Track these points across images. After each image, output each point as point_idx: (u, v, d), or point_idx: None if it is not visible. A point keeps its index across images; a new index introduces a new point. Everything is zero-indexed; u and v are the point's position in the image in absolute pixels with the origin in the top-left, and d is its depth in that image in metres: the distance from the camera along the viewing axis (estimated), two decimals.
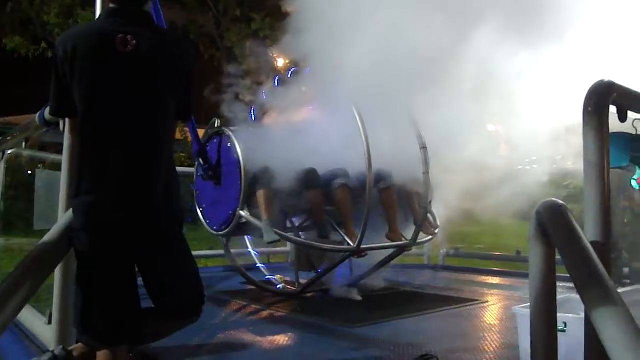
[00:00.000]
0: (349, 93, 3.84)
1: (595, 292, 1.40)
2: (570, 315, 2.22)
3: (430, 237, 4.56)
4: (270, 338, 3.21)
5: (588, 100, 1.81)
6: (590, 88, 1.82)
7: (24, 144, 3.70)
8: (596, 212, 1.74)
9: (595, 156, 1.76)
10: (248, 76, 4.44)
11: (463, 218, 5.24)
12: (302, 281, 4.44)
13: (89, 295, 1.97)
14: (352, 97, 3.85)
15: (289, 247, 5.91)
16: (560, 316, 1.87)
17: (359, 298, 4.21)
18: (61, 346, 2.14)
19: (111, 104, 1.95)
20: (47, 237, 1.94)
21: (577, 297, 2.45)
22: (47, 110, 2.43)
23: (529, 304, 1.79)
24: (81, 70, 1.92)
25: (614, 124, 1.89)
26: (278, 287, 4.66)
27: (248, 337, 3.25)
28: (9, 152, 4.24)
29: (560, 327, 1.97)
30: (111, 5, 2.03)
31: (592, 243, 1.60)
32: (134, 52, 1.92)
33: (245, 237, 4.99)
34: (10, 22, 15.64)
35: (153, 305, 2.08)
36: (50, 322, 2.34)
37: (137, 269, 2.04)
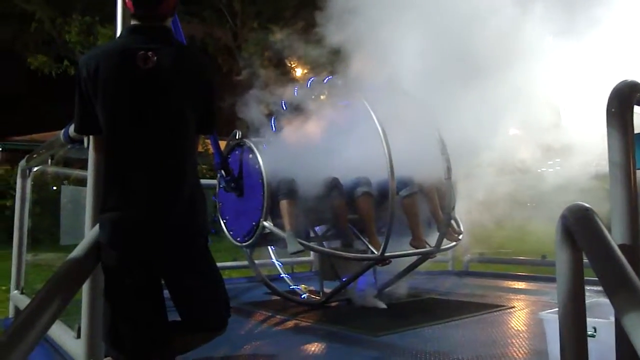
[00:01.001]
0: (371, 99, 3.86)
1: (625, 295, 1.37)
2: (600, 319, 2.19)
3: (454, 243, 4.53)
4: (295, 348, 3.21)
5: (611, 100, 1.79)
6: (613, 88, 1.80)
7: (49, 161, 3.76)
8: (623, 214, 1.72)
9: (620, 157, 1.74)
10: (267, 87, 4.47)
11: (486, 222, 5.20)
12: (327, 290, 4.43)
13: (116, 310, 1.99)
14: (373, 103, 3.85)
15: (312, 256, 5.94)
16: (590, 321, 1.84)
17: (384, 306, 4.19)
18: None
19: (133, 120, 1.97)
20: (74, 253, 1.97)
21: (606, 300, 2.43)
22: (72, 127, 2.48)
23: (556, 309, 1.77)
24: (104, 88, 1.96)
25: (638, 124, 1.87)
26: (302, 297, 4.65)
27: (273, 347, 3.25)
28: (35, 169, 4.32)
29: (590, 332, 1.94)
30: (132, 22, 2.07)
31: (619, 246, 1.58)
32: (154, 68, 1.95)
33: (269, 247, 5.01)
34: (33, 41, 16.02)
35: (180, 318, 2.10)
36: (79, 337, 2.37)
37: (163, 282, 2.06)
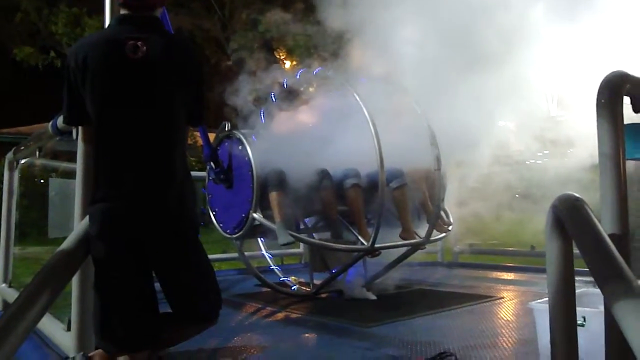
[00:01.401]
0: (360, 90, 3.86)
1: (615, 285, 1.38)
2: (589, 309, 2.21)
3: (444, 234, 4.55)
4: (286, 339, 3.22)
5: (601, 91, 1.79)
6: (603, 79, 1.81)
7: (37, 153, 3.72)
8: (613, 204, 1.73)
9: (610, 148, 1.75)
10: (256, 78, 4.45)
11: (475, 214, 5.23)
12: (317, 282, 4.44)
13: (107, 302, 1.98)
14: (362, 94, 3.85)
15: (302, 248, 5.95)
16: (579, 310, 1.86)
17: (374, 297, 4.20)
18: (81, 353, 2.15)
19: (123, 110, 1.96)
20: (64, 245, 1.95)
21: (595, 290, 2.44)
22: (60, 119, 2.46)
23: (545, 298, 1.78)
24: (92, 78, 1.94)
25: (629, 115, 1.88)
26: (293, 288, 4.66)
27: (264, 339, 3.25)
28: (23, 161, 4.27)
29: (579, 322, 1.96)
30: (122, 12, 2.05)
31: (609, 235, 1.59)
32: (144, 58, 1.93)
33: (259, 239, 5.00)
34: (19, 32, 15.83)
35: (171, 310, 2.09)
36: (69, 329, 2.35)
37: (154, 274, 2.05)
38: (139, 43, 1.93)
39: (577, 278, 1.73)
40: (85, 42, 2.06)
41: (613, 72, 1.82)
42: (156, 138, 1.98)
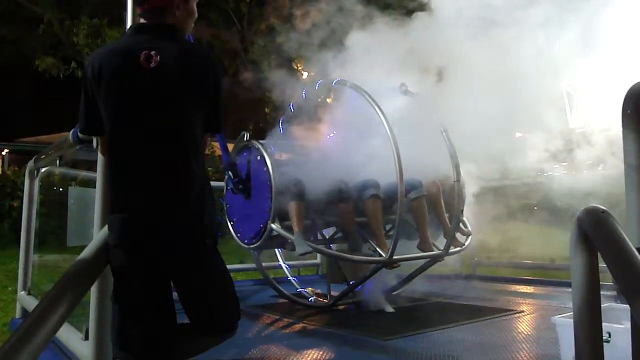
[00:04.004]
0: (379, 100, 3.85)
1: None
2: (615, 325, 2.16)
3: (463, 246, 4.50)
4: (303, 351, 3.19)
5: (627, 102, 1.75)
6: (629, 89, 1.77)
7: (57, 161, 3.75)
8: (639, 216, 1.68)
9: (636, 159, 1.71)
10: (275, 88, 4.45)
11: (493, 226, 5.17)
12: (334, 293, 4.41)
13: (125, 312, 1.98)
14: (381, 104, 3.84)
15: (319, 259, 5.92)
16: (604, 326, 1.81)
17: (392, 309, 4.17)
18: None
19: (138, 120, 1.95)
20: (83, 254, 1.95)
21: (619, 305, 2.39)
22: None
23: (568, 313, 1.74)
24: (107, 88, 1.94)
25: None
26: (310, 300, 4.63)
27: (281, 351, 3.23)
28: (43, 170, 4.31)
29: (604, 338, 1.91)
30: (141, 21, 2.06)
31: (637, 249, 1.55)
32: (158, 67, 1.93)
33: (276, 250, 4.99)
34: (41, 44, 16.10)
35: (189, 321, 2.08)
36: (86, 338, 2.35)
37: (172, 285, 2.05)
38: (153, 52, 1.93)
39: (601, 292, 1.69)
40: (101, 51, 2.07)
41: (639, 82, 1.78)
42: (171, 147, 1.96)
